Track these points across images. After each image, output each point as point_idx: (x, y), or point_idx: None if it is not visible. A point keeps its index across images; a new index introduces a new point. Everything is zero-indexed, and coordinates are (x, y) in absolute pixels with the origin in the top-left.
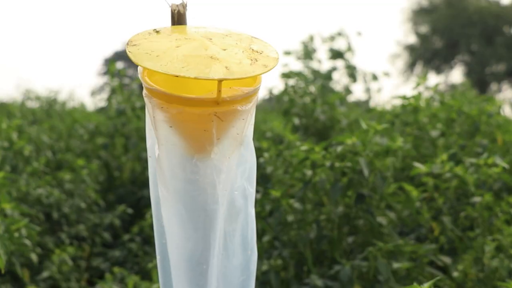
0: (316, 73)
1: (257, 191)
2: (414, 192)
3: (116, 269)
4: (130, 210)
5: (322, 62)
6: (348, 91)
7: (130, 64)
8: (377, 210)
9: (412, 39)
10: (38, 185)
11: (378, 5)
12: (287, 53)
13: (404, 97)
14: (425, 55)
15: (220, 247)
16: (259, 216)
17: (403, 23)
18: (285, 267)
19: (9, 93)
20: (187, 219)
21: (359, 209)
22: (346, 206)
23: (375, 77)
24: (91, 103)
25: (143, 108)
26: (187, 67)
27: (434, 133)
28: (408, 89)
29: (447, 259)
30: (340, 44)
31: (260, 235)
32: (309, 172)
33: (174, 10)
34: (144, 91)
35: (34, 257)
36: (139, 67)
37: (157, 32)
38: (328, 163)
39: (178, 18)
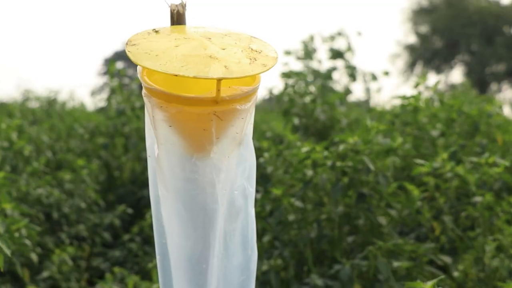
0: (316, 73)
1: (257, 191)
2: (415, 192)
3: (116, 269)
4: (130, 210)
5: (322, 62)
6: (348, 91)
7: (130, 64)
8: (378, 209)
9: (412, 39)
10: (38, 185)
11: (378, 5)
12: (287, 53)
13: (403, 97)
14: (425, 55)
15: (220, 247)
16: (259, 216)
17: (403, 23)
18: (285, 267)
19: (9, 93)
20: (187, 219)
21: (360, 209)
22: (346, 205)
23: (374, 77)
24: (91, 103)
25: (143, 108)
26: (186, 67)
27: (434, 133)
28: (408, 89)
29: (447, 259)
30: (340, 44)
31: (260, 235)
32: (309, 172)
33: (174, 10)
34: (144, 91)
35: (34, 257)
36: (138, 67)
37: (156, 32)
38: (329, 163)
39: (177, 18)
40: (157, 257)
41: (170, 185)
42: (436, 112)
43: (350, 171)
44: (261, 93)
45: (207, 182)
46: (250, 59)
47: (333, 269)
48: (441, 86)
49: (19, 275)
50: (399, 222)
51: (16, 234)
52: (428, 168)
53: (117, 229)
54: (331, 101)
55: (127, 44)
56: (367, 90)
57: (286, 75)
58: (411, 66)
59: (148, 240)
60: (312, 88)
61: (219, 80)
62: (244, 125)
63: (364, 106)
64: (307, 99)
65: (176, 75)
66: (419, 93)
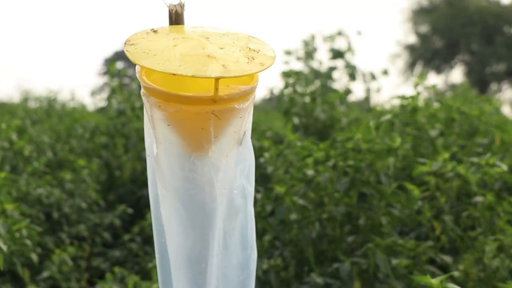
0: (316, 72)
1: (257, 191)
2: (415, 191)
3: (116, 269)
4: (130, 210)
5: (322, 61)
6: (348, 91)
7: (130, 64)
8: (379, 209)
9: (412, 39)
10: (39, 185)
11: (378, 5)
12: (288, 52)
13: (403, 97)
14: (425, 55)
15: (219, 246)
16: (259, 216)
17: (403, 23)
18: (286, 266)
19: (9, 93)
20: (186, 218)
21: (361, 208)
22: (347, 205)
23: (373, 77)
24: (91, 103)
25: (143, 108)
26: (184, 66)
27: (433, 133)
28: (408, 89)
29: (448, 259)
30: (340, 44)
31: (260, 234)
32: (310, 172)
33: (172, 10)
34: (142, 90)
35: (34, 257)
36: (137, 66)
37: (155, 31)
38: (331, 162)
39: (175, 18)
40: (157, 256)
41: (169, 184)
42: (435, 112)
43: (351, 170)
44: (261, 93)
45: (205, 181)
46: (248, 58)
47: (333, 267)
48: (441, 86)
49: (19, 275)
50: (400, 222)
51: (17, 235)
52: (429, 167)
53: (117, 229)
54: (331, 101)
55: (125, 43)
56: (367, 90)
57: (286, 74)
58: (411, 66)
59: (148, 240)
60: (312, 88)
61: (217, 79)
62: (243, 124)
63: (364, 105)
64: (307, 98)
65: (174, 74)
66: (418, 94)
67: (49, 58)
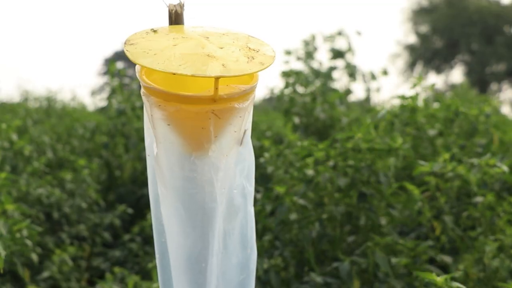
0: (316, 72)
1: (257, 191)
2: (415, 191)
3: (116, 269)
4: (130, 210)
5: (323, 61)
6: (348, 91)
7: (130, 64)
8: (379, 209)
9: (412, 39)
10: (39, 185)
11: (378, 5)
12: (288, 52)
13: (403, 97)
14: (425, 55)
15: (219, 246)
16: (259, 215)
17: (403, 23)
18: (286, 266)
19: (9, 93)
20: (186, 217)
21: (361, 208)
22: (348, 205)
23: (373, 77)
24: (91, 103)
25: (143, 107)
26: (184, 65)
27: (431, 133)
28: (408, 89)
29: (448, 259)
30: (340, 44)
31: (260, 234)
32: (310, 172)
33: (172, 10)
34: (142, 90)
35: (34, 257)
36: (137, 66)
37: (155, 31)
38: (331, 163)
39: (175, 18)
40: (157, 255)
41: (169, 184)
42: (434, 112)
43: (351, 170)
44: (261, 93)
45: (205, 180)
46: (248, 57)
47: (332, 266)
48: (441, 86)
49: (19, 275)
50: (400, 222)
51: (18, 235)
52: (429, 168)
53: (117, 229)
54: (331, 101)
55: (125, 43)
56: (367, 90)
57: (286, 74)
58: (411, 66)
59: (148, 240)
60: (313, 88)
61: (217, 78)
62: (243, 124)
63: (365, 105)
64: (307, 98)
65: (174, 74)
66: (417, 94)
67: (49, 58)
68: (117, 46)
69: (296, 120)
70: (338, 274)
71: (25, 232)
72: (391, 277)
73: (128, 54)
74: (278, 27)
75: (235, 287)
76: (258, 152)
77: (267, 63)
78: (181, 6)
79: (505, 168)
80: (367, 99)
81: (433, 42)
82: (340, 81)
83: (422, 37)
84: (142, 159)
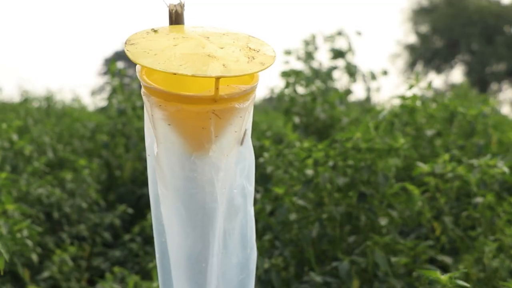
0: (316, 72)
1: (256, 191)
2: (415, 192)
3: (116, 269)
4: (130, 210)
5: (323, 61)
6: (348, 91)
7: (130, 64)
8: (379, 209)
9: (412, 38)
10: (39, 185)
11: (378, 5)
12: (288, 52)
13: (403, 97)
14: (426, 54)
15: (219, 246)
16: (259, 215)
17: (403, 23)
18: (286, 266)
19: (9, 93)
20: (186, 217)
21: (361, 209)
22: (348, 205)
23: (373, 76)
24: (91, 104)
25: (143, 107)
26: (184, 65)
27: (429, 133)
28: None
29: (448, 259)
30: (340, 44)
31: (260, 234)
32: (310, 172)
33: (172, 10)
34: (143, 90)
35: (34, 257)
36: (137, 66)
37: (155, 31)
38: (331, 163)
39: (176, 18)
40: (157, 255)
41: (170, 184)
42: (433, 113)
43: (351, 170)
44: (261, 93)
45: (206, 180)
46: (248, 57)
47: (332, 265)
48: (441, 86)
49: (19, 275)
50: (400, 223)
51: (18, 235)
52: (429, 169)
53: (117, 229)
54: (331, 100)
55: (126, 43)
56: (367, 90)
57: (286, 74)
58: (411, 66)
59: (148, 240)
60: (313, 87)
61: (217, 78)
62: (243, 124)
63: (365, 105)
64: (308, 98)
65: (175, 74)
66: (414, 95)
67: (49, 58)
68: (117, 46)
69: (296, 120)
70: (337, 274)
71: (25, 232)
72: (390, 276)
73: (128, 54)
74: (278, 27)
75: (235, 287)
76: (258, 152)
77: (267, 63)
78: (182, 6)
79: (505, 169)
80: (367, 99)
81: (433, 42)
82: (340, 81)
83: (422, 37)
84: (142, 159)
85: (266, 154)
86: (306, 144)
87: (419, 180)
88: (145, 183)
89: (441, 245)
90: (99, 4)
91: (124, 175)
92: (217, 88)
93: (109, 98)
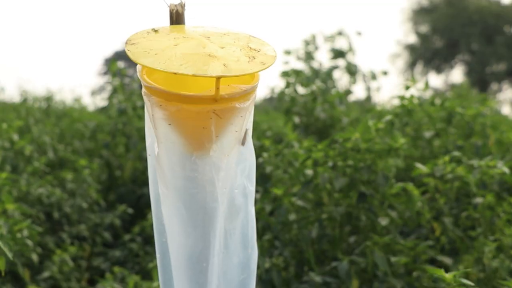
0: (316, 72)
1: (256, 191)
2: (415, 192)
3: (116, 269)
4: (130, 210)
5: (323, 61)
6: (348, 91)
7: (131, 64)
8: (379, 210)
9: (412, 38)
10: (39, 185)
11: (378, 5)
12: (288, 52)
13: (402, 97)
14: (426, 54)
15: (220, 245)
16: (260, 215)
17: (403, 23)
18: (286, 266)
19: (9, 93)
20: (187, 217)
21: (361, 209)
22: (347, 205)
23: (373, 76)
24: (91, 104)
25: (144, 107)
26: (185, 65)
27: (427, 134)
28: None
29: (447, 260)
30: (341, 44)
31: (260, 234)
32: (309, 172)
33: (173, 10)
34: (143, 90)
35: (34, 257)
36: (138, 66)
37: (156, 31)
38: (330, 163)
39: (176, 17)
40: (157, 255)
41: (170, 184)
42: (432, 113)
43: (350, 170)
44: (262, 93)
45: (207, 180)
46: (249, 57)
47: (331, 265)
48: (441, 86)
49: (19, 275)
50: (400, 223)
51: (18, 235)
52: (429, 170)
53: (117, 229)
54: (331, 100)
55: (126, 43)
56: (368, 90)
57: (286, 74)
58: (411, 65)
59: (149, 240)
60: (313, 87)
61: (218, 78)
62: (244, 124)
63: (365, 105)
64: (308, 98)
65: (176, 73)
66: (412, 96)
67: (49, 58)
68: (117, 46)
69: (297, 119)
70: (337, 274)
71: (25, 232)
72: (390, 276)
73: (129, 53)
74: (278, 27)
75: (236, 286)
76: (258, 152)
77: (268, 63)
78: (182, 6)
79: (505, 169)
80: (367, 99)
81: (433, 42)
82: (340, 81)
83: (422, 37)
84: (143, 159)
85: (265, 154)
86: (305, 144)
87: (419, 180)
88: (145, 183)
89: (441, 246)
90: (99, 4)
91: (125, 175)
92: (217, 88)
93: (110, 98)
